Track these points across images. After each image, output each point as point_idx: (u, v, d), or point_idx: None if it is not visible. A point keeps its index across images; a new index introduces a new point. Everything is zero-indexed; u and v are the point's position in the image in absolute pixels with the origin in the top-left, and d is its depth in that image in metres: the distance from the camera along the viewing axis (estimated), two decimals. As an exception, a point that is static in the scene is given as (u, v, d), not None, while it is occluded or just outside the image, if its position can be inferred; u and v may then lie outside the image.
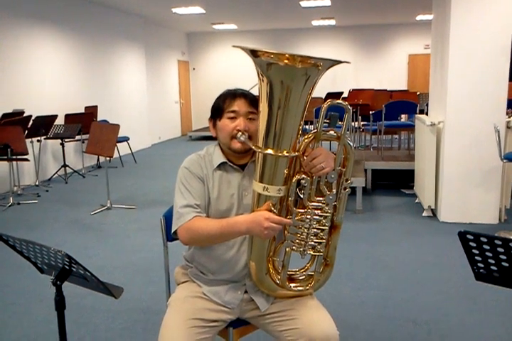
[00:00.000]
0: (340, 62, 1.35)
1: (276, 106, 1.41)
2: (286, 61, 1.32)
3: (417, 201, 5.32)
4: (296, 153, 1.47)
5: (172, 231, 1.67)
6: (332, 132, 1.48)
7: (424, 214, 4.85)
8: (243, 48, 1.36)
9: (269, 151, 1.45)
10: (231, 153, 1.69)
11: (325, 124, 1.46)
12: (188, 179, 1.68)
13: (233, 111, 1.64)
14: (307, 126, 7.51)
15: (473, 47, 4.31)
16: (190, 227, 1.60)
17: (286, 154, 1.45)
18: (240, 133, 1.61)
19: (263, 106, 1.45)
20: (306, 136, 1.49)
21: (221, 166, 1.70)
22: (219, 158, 1.70)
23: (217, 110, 1.69)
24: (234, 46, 1.44)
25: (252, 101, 1.66)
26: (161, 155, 9.64)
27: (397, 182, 6.32)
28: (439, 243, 4.05)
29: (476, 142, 4.41)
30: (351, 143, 1.50)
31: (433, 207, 4.78)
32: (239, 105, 1.64)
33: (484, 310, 2.86)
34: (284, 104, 1.40)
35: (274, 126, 1.43)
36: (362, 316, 2.81)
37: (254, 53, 1.35)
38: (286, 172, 1.48)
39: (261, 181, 1.50)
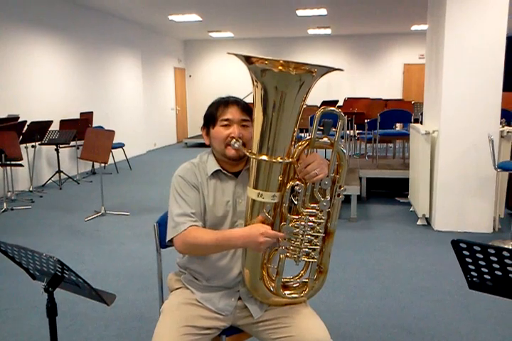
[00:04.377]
0: (333, 69, 1.36)
1: (270, 112, 1.42)
2: (280, 67, 1.32)
3: (411, 209, 5.33)
4: (290, 160, 1.47)
5: (167, 239, 1.67)
6: (326, 139, 1.49)
7: (419, 222, 4.85)
8: (237, 55, 1.36)
9: (264, 157, 1.45)
10: (225, 160, 1.69)
11: (319, 132, 1.47)
12: (182, 187, 1.68)
13: (227, 119, 1.64)
14: (302, 134, 7.53)
15: (467, 57, 4.34)
16: (186, 237, 1.60)
17: (281, 160, 1.45)
18: (234, 140, 1.61)
19: (257, 113, 1.45)
20: (300, 143, 1.49)
21: (215, 174, 1.70)
22: (213, 165, 1.70)
23: (211, 118, 1.69)
24: (228, 53, 1.44)
25: (245, 108, 1.67)
26: (156, 161, 9.63)
27: (391, 191, 6.33)
28: (433, 251, 4.05)
29: (470, 151, 4.43)
30: (345, 150, 1.51)
31: (427, 215, 4.79)
32: (232, 113, 1.65)
33: (478, 319, 2.86)
34: (278, 110, 1.40)
35: (268, 133, 1.44)
36: (355, 324, 2.80)
37: (248, 60, 1.36)
38: (280, 178, 1.48)
39: (255, 187, 1.50)
